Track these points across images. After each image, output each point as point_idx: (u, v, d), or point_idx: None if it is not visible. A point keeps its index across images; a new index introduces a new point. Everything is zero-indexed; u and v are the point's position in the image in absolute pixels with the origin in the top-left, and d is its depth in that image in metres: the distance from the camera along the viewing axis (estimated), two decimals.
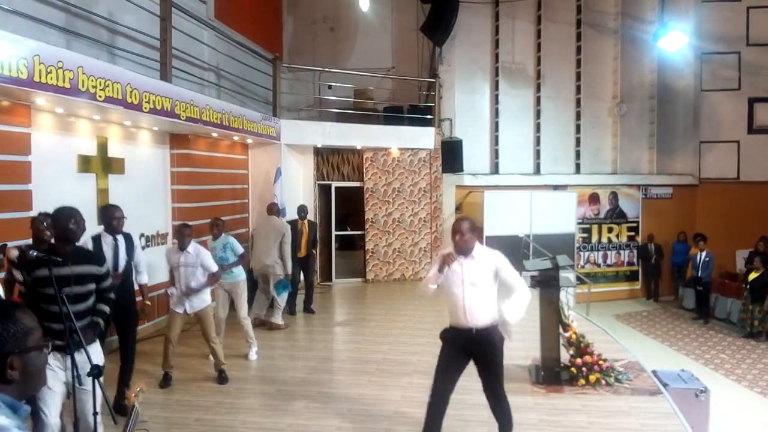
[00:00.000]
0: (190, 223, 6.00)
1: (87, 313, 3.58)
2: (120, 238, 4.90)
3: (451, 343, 3.94)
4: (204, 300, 5.66)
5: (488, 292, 3.87)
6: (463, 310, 3.84)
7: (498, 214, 12.00)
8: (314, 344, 7.38)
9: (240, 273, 6.50)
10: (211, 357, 6.00)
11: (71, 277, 3.41)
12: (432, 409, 3.90)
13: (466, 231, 3.84)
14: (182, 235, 5.53)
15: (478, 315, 3.82)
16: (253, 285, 7.57)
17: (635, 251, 14.37)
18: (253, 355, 6.51)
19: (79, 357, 3.30)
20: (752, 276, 11.02)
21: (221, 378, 5.74)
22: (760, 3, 14.18)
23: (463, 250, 3.84)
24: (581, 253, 13.85)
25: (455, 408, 4.16)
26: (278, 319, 7.76)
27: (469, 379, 4.04)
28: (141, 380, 2.24)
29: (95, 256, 3.79)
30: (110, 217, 4.83)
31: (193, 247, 5.57)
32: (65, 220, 3.49)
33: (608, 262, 14.28)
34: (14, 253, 4.31)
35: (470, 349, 3.90)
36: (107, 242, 4.83)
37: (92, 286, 3.60)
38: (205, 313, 5.67)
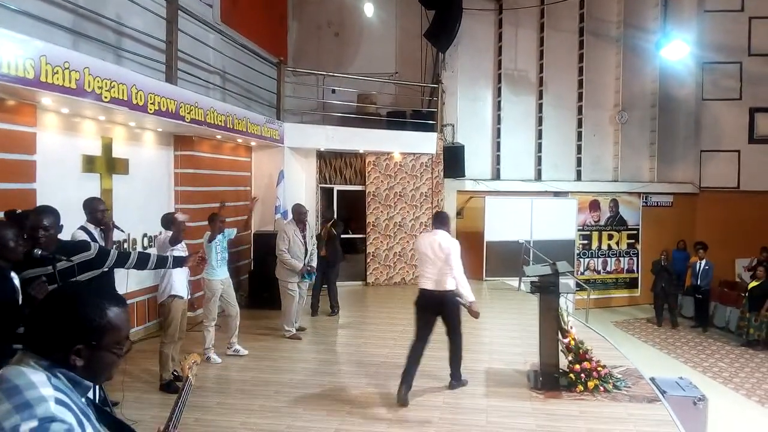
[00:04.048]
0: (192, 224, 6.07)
1: None
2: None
3: None
4: None
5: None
6: None
7: (499, 220, 12.03)
8: (314, 346, 7.40)
9: None
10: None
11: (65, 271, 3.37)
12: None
13: None
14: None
15: None
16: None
17: (635, 259, 14.39)
18: (243, 351, 6.66)
19: None
20: (752, 284, 11.04)
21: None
22: (762, 13, 14.22)
23: None
24: (581, 260, 13.86)
25: None
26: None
27: None
28: (195, 352, 2.23)
29: (78, 244, 3.80)
30: (94, 209, 4.81)
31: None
32: (34, 224, 3.49)
33: (608, 269, 14.29)
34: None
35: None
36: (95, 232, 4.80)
37: (91, 275, 3.61)
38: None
